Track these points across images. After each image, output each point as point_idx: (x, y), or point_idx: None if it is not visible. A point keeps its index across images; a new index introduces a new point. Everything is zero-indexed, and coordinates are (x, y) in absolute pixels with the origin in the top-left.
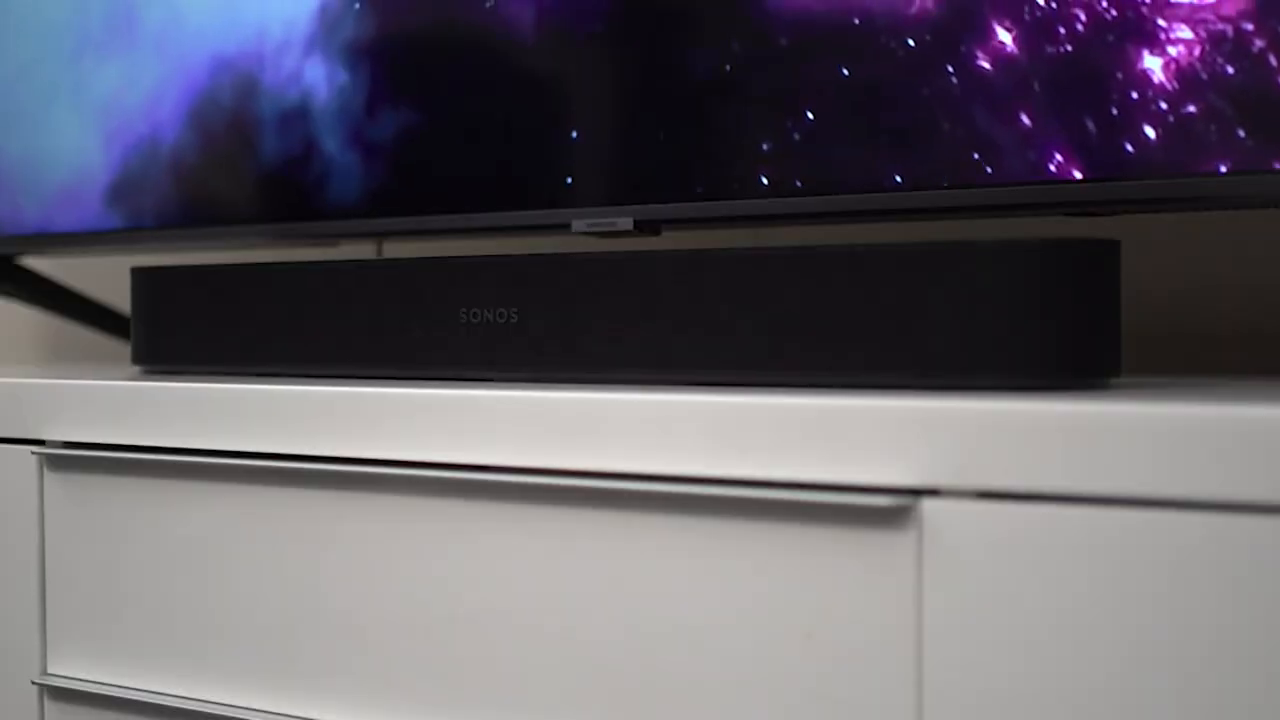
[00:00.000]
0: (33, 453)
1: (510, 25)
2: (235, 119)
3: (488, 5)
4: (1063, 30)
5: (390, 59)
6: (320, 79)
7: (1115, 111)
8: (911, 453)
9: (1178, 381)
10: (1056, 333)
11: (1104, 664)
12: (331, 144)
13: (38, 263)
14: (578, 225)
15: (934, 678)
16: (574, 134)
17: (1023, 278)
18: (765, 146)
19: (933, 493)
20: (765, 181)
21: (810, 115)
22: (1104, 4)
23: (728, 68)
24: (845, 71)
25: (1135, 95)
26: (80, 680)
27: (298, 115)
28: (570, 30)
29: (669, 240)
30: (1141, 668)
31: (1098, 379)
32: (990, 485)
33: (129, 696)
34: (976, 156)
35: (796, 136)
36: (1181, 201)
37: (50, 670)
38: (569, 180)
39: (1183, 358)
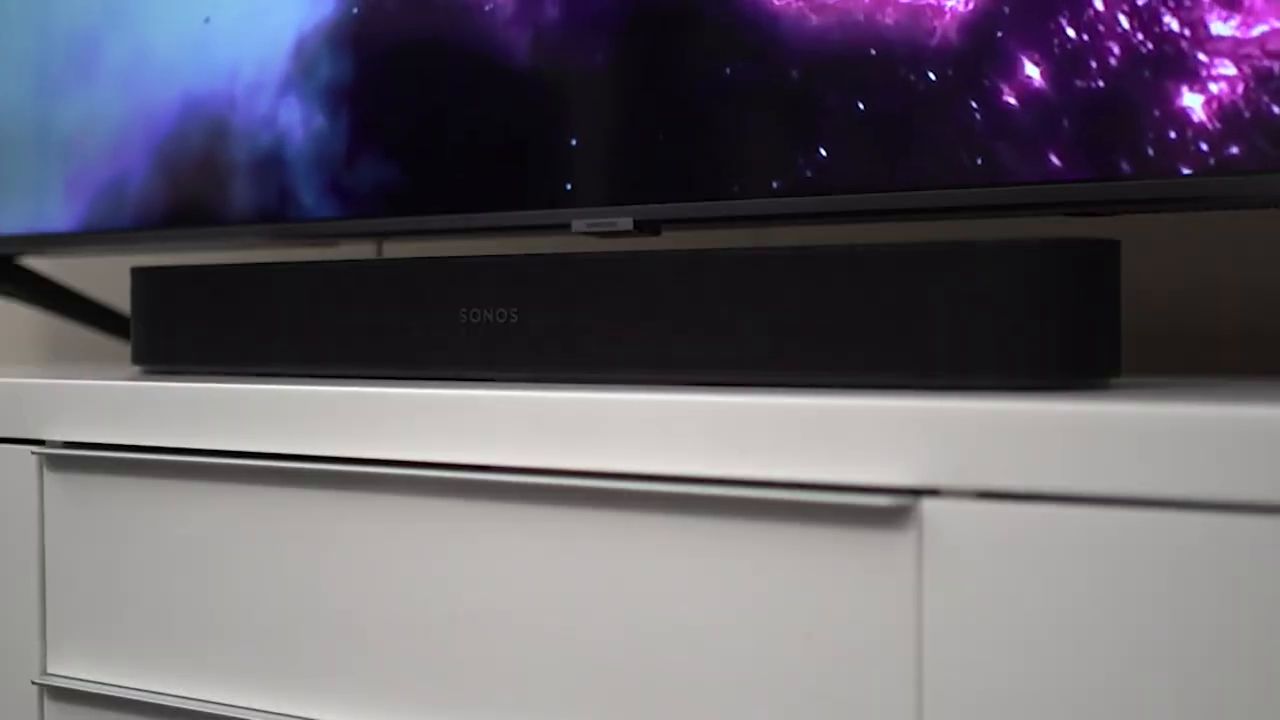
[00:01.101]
0: (33, 453)
1: (514, 26)
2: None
3: (487, 8)
4: (1091, 60)
5: (392, 65)
6: (325, 82)
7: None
8: (911, 453)
9: (1178, 381)
10: (1056, 333)
11: (1104, 664)
12: (333, 151)
13: (38, 263)
14: (578, 225)
15: (934, 678)
16: (574, 134)
17: (1023, 278)
18: (765, 147)
19: (933, 493)
20: (765, 182)
21: (810, 117)
22: (1138, 36)
23: (728, 71)
24: (845, 73)
25: (1153, 121)
26: (80, 680)
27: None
28: (572, 35)
29: (669, 240)
30: (1141, 668)
31: (1098, 379)
32: (990, 485)
33: (129, 696)
34: (979, 161)
35: (796, 137)
36: (1181, 201)
37: (50, 670)
38: (569, 179)
39: (1183, 358)
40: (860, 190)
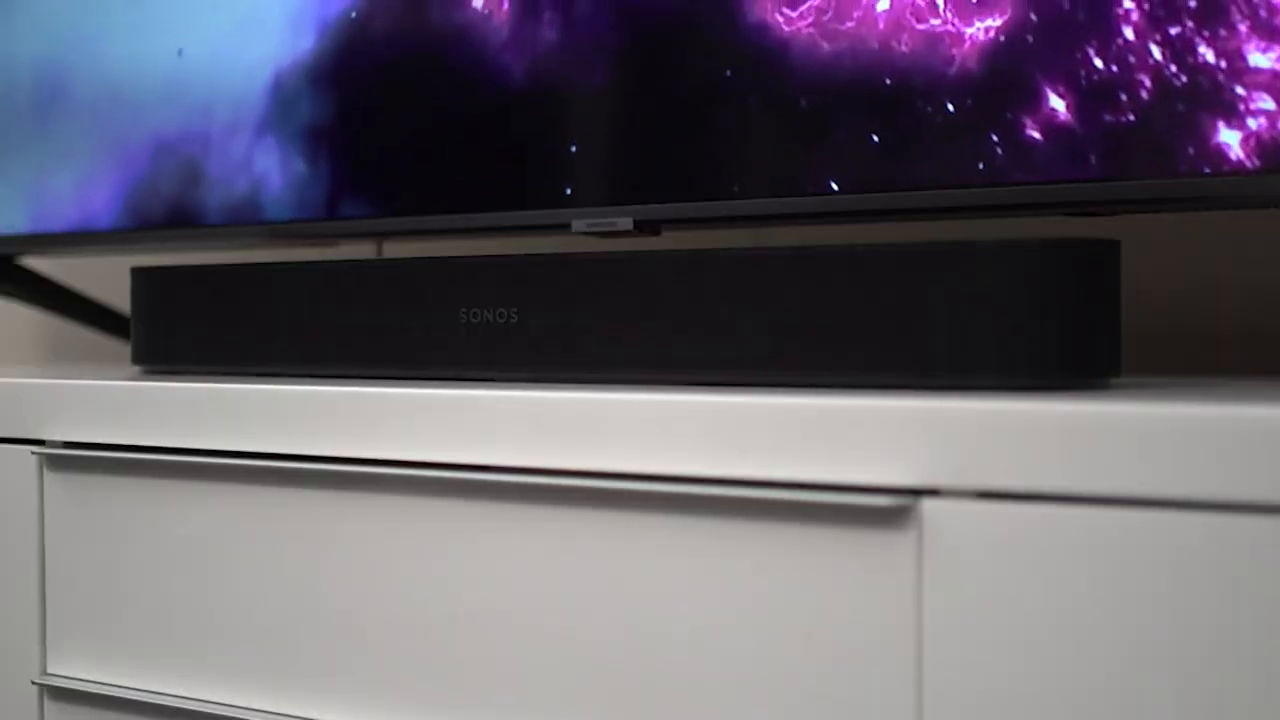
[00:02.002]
0: (33, 453)
1: (513, 28)
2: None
3: (487, 12)
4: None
5: (394, 69)
6: (327, 86)
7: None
8: (911, 453)
9: (1178, 381)
10: (1056, 333)
11: (1104, 664)
12: (334, 148)
13: (38, 263)
14: (578, 225)
15: (934, 678)
16: (575, 134)
17: (1023, 278)
18: (765, 147)
19: (933, 493)
20: (765, 182)
21: (808, 116)
22: (1171, 68)
23: (728, 72)
24: (844, 73)
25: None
26: (80, 680)
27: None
28: (574, 41)
29: (669, 240)
30: (1141, 668)
31: (1098, 379)
32: (990, 485)
33: (129, 696)
34: (980, 166)
35: (796, 137)
36: (1181, 201)
37: (50, 670)
38: (569, 179)
39: (1183, 358)
40: (860, 190)
